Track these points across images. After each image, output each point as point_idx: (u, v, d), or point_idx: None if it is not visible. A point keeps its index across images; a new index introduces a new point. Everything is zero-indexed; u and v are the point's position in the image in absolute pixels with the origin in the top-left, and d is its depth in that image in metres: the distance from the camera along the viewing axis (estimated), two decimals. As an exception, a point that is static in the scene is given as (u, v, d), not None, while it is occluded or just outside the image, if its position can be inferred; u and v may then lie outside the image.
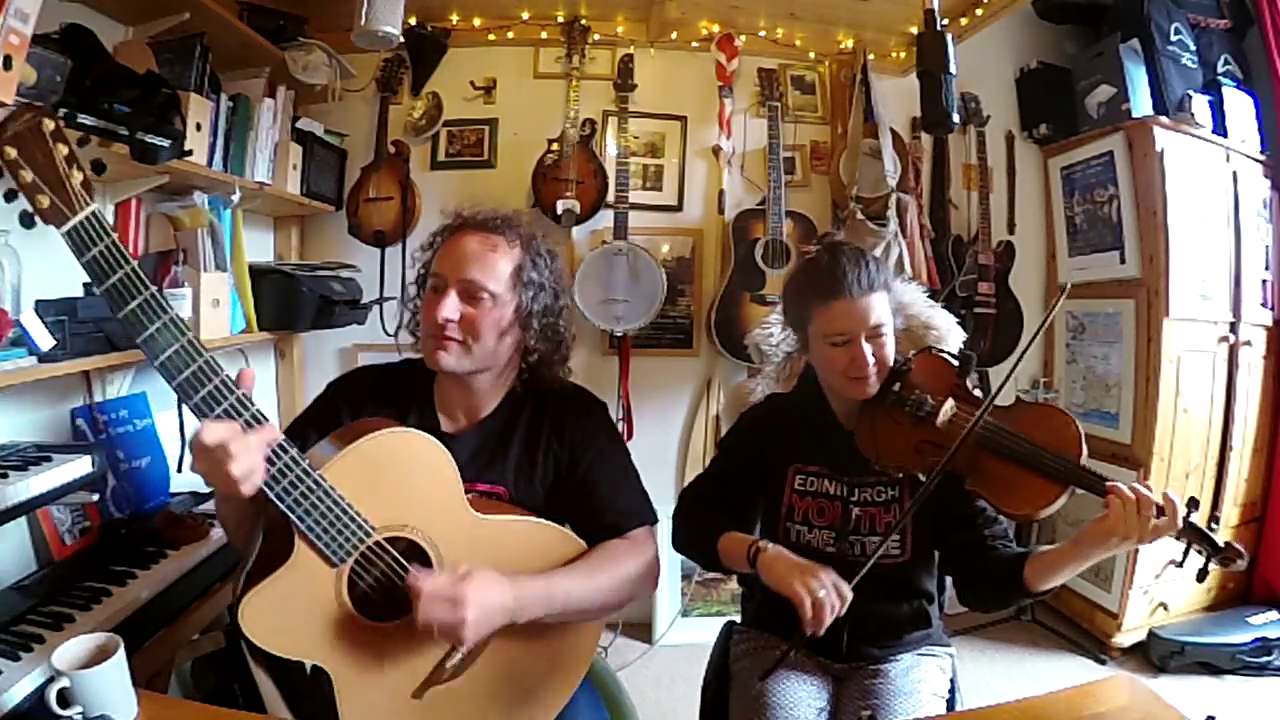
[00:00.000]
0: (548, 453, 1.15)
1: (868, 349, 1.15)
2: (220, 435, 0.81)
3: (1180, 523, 0.94)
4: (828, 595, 0.98)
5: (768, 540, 1.13)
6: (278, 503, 0.89)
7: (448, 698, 1.00)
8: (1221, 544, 0.96)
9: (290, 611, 0.93)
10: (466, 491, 1.04)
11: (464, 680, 1.00)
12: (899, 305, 1.42)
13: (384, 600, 0.98)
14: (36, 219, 0.79)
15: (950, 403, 1.15)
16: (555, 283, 1.14)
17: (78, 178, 0.79)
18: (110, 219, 1.68)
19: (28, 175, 0.77)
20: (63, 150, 0.79)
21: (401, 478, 0.98)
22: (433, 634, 0.91)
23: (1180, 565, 1.00)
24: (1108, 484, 0.98)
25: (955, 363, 1.21)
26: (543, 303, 1.12)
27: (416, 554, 0.99)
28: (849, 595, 1.00)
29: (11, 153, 0.76)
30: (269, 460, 0.86)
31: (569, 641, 1.11)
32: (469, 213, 1.14)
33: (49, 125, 0.78)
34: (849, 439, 1.20)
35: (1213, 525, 0.99)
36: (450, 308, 1.06)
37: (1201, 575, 0.99)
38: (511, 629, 0.98)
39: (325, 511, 0.91)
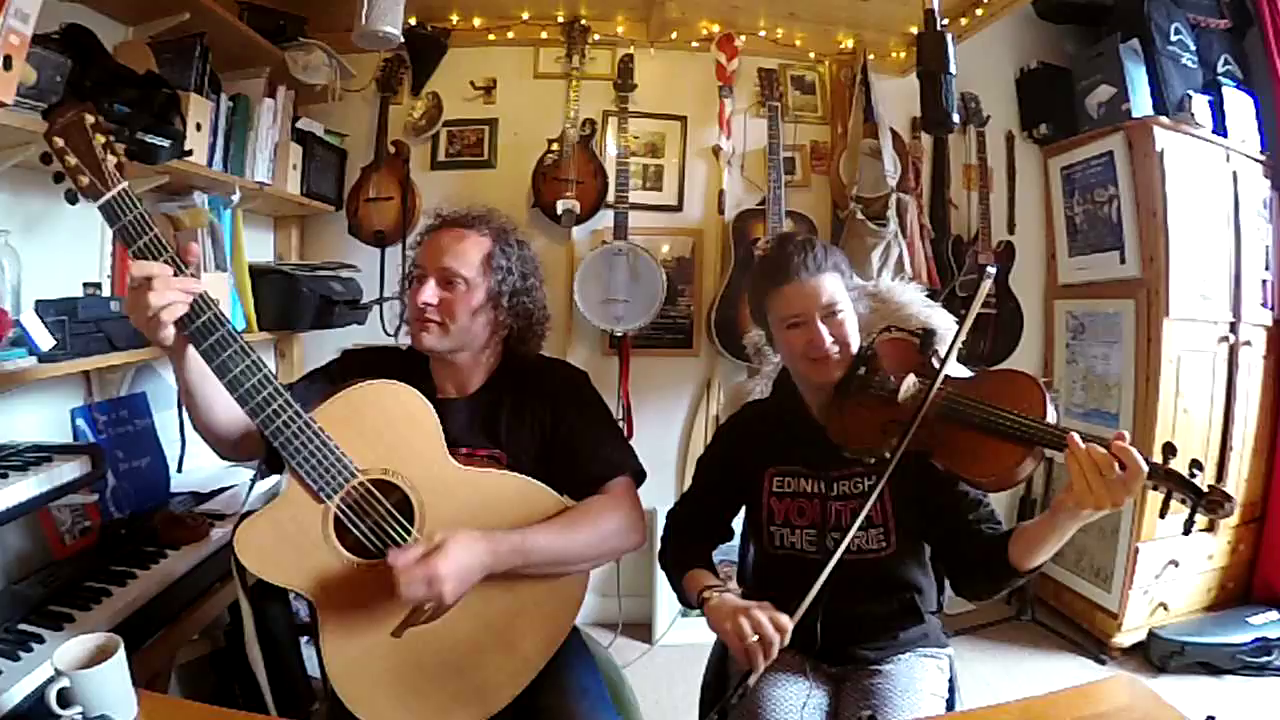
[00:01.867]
0: (533, 417, 1.24)
1: (824, 329, 1.16)
2: (148, 269, 0.92)
3: (1145, 470, 0.90)
4: (762, 632, 0.99)
5: (716, 590, 1.13)
6: (262, 429, 0.98)
7: (426, 637, 1.04)
8: (1204, 488, 0.90)
9: (280, 540, 1.00)
10: (469, 457, 1.14)
11: (442, 622, 1.03)
12: (897, 305, 1.42)
13: (377, 547, 1.04)
14: (79, 196, 0.95)
15: (911, 377, 1.14)
16: (523, 266, 1.25)
17: (112, 161, 0.94)
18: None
19: (72, 159, 0.93)
20: (100, 139, 0.94)
21: (385, 425, 1.05)
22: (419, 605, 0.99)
23: (1162, 517, 0.96)
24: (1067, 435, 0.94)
25: (916, 339, 1.20)
26: (511, 284, 1.22)
27: (403, 502, 1.04)
28: (788, 625, 1.00)
29: (60, 141, 0.93)
30: (195, 310, 0.96)
31: (549, 596, 1.15)
32: (447, 212, 1.27)
33: (89, 119, 0.94)
34: (823, 433, 1.19)
35: (1194, 472, 0.94)
36: (429, 293, 1.17)
37: (1187, 527, 0.93)
38: (490, 580, 1.04)
39: (314, 450, 1.00)
